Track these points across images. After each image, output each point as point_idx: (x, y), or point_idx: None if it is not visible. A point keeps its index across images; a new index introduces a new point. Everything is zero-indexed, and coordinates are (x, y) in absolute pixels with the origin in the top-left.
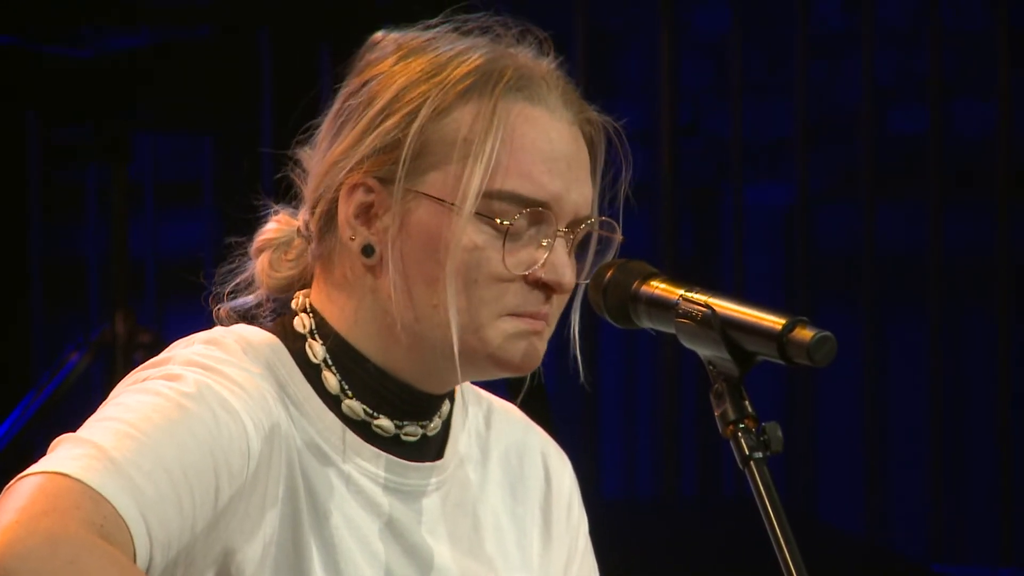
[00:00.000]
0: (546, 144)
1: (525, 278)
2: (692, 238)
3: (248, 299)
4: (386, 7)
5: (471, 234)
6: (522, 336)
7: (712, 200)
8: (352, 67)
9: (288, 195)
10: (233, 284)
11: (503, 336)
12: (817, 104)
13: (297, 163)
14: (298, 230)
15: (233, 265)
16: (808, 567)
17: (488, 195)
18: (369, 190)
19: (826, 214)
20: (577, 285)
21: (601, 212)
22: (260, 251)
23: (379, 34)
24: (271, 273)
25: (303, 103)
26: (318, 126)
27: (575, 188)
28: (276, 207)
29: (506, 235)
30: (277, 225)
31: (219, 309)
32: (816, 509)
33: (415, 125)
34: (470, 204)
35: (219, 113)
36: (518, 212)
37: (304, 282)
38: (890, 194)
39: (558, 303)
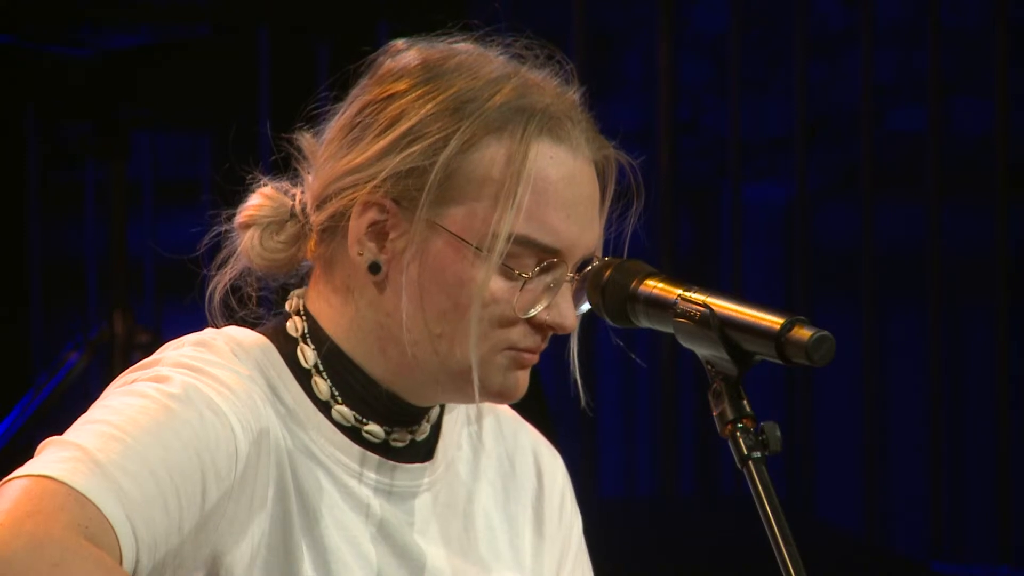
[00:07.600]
0: (568, 189)
1: (530, 320)
2: (691, 236)
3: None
4: (385, 6)
5: (493, 281)
6: (511, 369)
7: (711, 198)
8: (370, 70)
9: (283, 171)
10: (220, 259)
11: (495, 368)
12: (816, 102)
13: (296, 145)
14: (292, 210)
15: (217, 237)
16: (807, 566)
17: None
18: (384, 210)
19: (825, 212)
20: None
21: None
22: (247, 226)
23: (400, 42)
24: (261, 252)
25: (302, 105)
26: (323, 114)
27: (588, 230)
28: (263, 179)
29: (523, 285)
30: (262, 200)
31: (212, 291)
32: (815, 508)
33: (443, 156)
34: (499, 253)
35: (218, 112)
36: (535, 260)
37: (294, 265)
38: (889, 192)
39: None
